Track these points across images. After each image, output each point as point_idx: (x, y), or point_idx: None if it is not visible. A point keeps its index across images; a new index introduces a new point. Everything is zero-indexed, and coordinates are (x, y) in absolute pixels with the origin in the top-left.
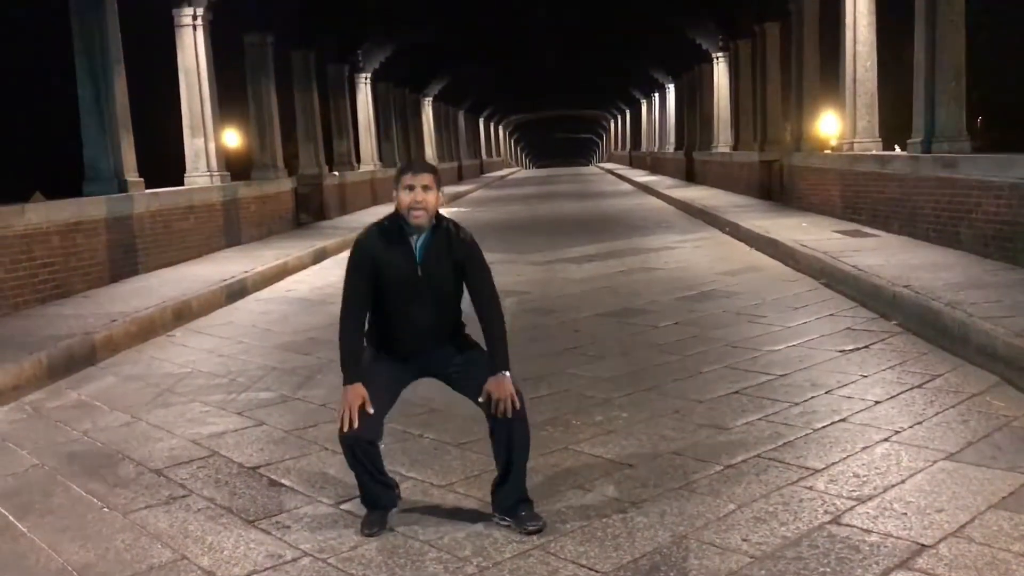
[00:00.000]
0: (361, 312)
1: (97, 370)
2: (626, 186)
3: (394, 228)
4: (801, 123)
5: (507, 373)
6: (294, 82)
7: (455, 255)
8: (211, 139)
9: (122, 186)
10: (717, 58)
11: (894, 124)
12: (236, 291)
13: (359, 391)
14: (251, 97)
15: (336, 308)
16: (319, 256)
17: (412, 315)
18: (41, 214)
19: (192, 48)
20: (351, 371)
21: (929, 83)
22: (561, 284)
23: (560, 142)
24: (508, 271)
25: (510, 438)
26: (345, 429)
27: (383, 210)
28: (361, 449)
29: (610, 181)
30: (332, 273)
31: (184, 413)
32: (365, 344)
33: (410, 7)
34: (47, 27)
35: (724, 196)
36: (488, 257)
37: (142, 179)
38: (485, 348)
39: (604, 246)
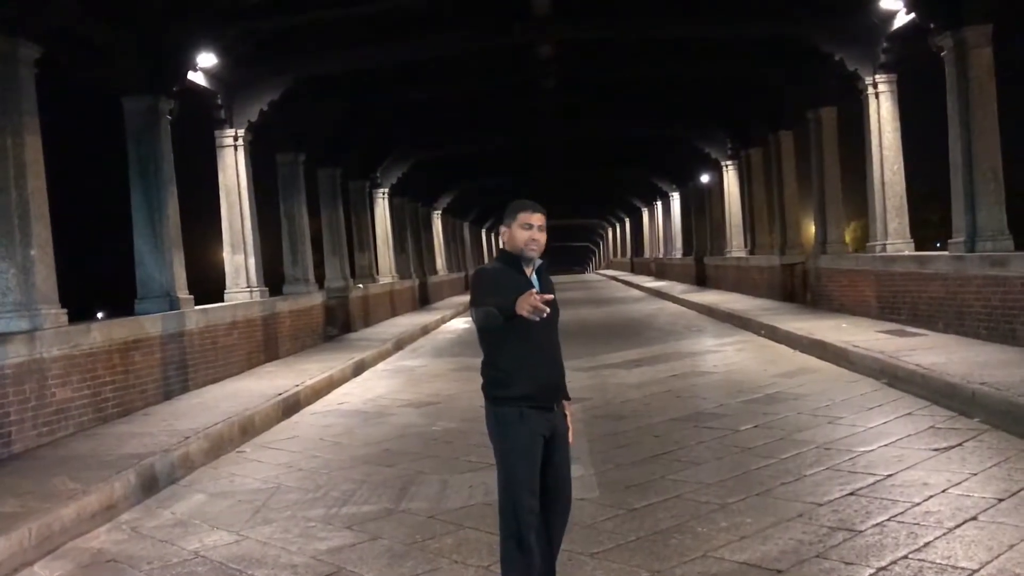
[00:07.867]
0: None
1: (181, 488)
2: (637, 292)
3: (511, 263)
4: (825, 227)
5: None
6: (320, 198)
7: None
8: (251, 255)
9: (173, 303)
10: (727, 166)
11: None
12: (291, 405)
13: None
14: (283, 214)
15: (395, 420)
16: (359, 368)
17: (545, 344)
18: (104, 332)
19: (233, 167)
20: (507, 302)
21: (968, 184)
22: (617, 389)
23: (556, 250)
24: None
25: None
26: (542, 313)
27: (403, 321)
28: (528, 524)
29: (618, 288)
30: (378, 385)
31: (289, 529)
32: (504, 398)
33: (429, 130)
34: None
35: (745, 300)
36: None
37: (191, 296)
38: None
39: (643, 351)
